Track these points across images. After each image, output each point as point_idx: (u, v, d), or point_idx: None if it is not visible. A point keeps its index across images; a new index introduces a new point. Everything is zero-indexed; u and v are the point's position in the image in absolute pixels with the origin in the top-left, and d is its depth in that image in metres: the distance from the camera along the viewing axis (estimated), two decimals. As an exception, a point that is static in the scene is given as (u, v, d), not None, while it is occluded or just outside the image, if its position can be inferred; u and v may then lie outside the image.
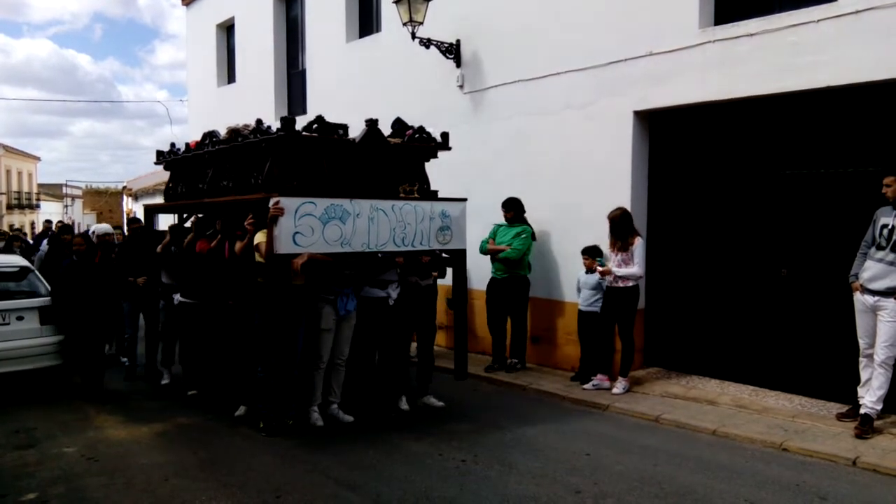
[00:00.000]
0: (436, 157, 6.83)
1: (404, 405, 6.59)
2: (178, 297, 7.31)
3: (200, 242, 6.90)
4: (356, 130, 6.30)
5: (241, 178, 6.35)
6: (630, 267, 6.93)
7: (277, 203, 5.43)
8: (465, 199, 6.70)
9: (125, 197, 27.47)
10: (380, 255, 6.26)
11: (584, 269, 7.59)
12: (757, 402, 6.57)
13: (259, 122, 6.26)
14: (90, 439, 5.98)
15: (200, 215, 7.31)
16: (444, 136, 6.81)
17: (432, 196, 6.68)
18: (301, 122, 6.09)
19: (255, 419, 6.02)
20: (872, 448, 5.34)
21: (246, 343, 6.28)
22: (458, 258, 6.73)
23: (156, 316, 8.07)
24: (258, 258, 5.78)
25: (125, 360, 8.29)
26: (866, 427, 5.59)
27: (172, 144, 7.82)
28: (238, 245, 6.11)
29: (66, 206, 50.34)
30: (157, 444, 5.85)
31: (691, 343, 7.51)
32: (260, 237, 5.70)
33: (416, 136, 6.67)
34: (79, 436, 6.06)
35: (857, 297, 5.75)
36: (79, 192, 51.66)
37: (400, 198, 6.28)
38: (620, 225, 7.00)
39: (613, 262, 7.06)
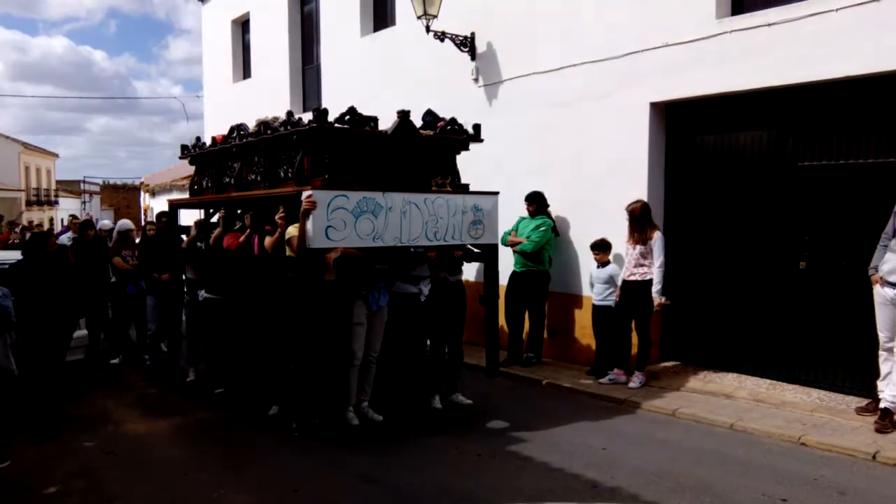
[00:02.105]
0: (467, 149, 6.65)
1: (437, 404, 6.48)
2: (203, 294, 7.23)
3: (228, 237, 6.75)
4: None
5: (269, 172, 6.25)
6: (656, 266, 6.90)
7: (310, 196, 5.30)
8: (497, 193, 6.53)
9: (142, 193, 27.65)
10: (412, 249, 6.13)
11: (595, 264, 7.57)
12: (775, 395, 6.52)
13: (290, 113, 6.14)
14: (110, 433, 6.04)
15: (227, 210, 7.13)
16: (476, 127, 6.62)
17: (464, 189, 6.51)
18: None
19: (288, 418, 5.94)
20: (893, 442, 5.28)
21: (276, 340, 6.19)
22: (489, 253, 6.56)
23: (179, 313, 8.09)
24: (289, 253, 5.68)
25: (147, 357, 8.32)
26: (886, 421, 5.54)
27: (198, 138, 7.70)
28: (268, 240, 5.98)
29: (84, 203, 50.80)
30: (176, 439, 5.91)
31: (708, 337, 7.46)
32: (292, 231, 5.59)
33: (448, 127, 6.49)
34: (98, 430, 6.12)
35: (878, 289, 5.68)
36: (96, 189, 52.10)
37: (432, 191, 6.14)
38: (641, 218, 6.97)
39: (631, 257, 7.03)
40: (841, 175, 6.38)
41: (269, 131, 6.21)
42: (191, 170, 8.42)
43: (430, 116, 6.61)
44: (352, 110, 5.90)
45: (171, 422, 6.33)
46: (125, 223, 9.32)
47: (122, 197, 48.23)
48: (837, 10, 5.99)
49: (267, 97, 13.44)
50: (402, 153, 6.11)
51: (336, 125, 5.80)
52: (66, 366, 6.90)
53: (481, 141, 6.68)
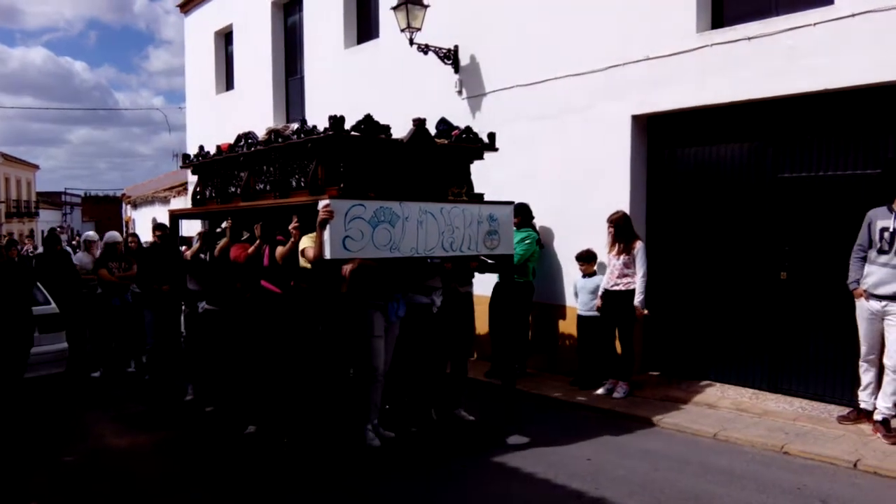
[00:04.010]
0: (481, 158, 6.51)
1: (463, 416, 6.40)
2: (203, 305, 7.05)
3: (235, 248, 6.53)
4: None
5: (280, 181, 6.08)
6: (639, 276, 6.96)
7: (328, 206, 5.07)
8: (511, 203, 6.41)
9: (124, 204, 27.43)
10: (429, 260, 5.99)
11: (580, 274, 7.61)
12: (757, 405, 6.57)
13: (303, 121, 6.01)
14: (90, 448, 5.98)
15: (235, 220, 6.87)
16: (491, 136, 6.47)
17: (479, 199, 6.34)
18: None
19: (267, 438, 5.81)
20: (873, 451, 5.33)
21: (265, 356, 6.02)
22: (505, 264, 6.46)
23: (178, 326, 8.02)
24: (303, 264, 5.54)
25: (147, 375, 8.22)
26: (888, 430, 5.52)
27: (201, 147, 7.49)
28: (280, 250, 5.81)
29: (65, 214, 50.38)
30: (159, 454, 5.84)
31: (691, 347, 7.51)
32: (306, 242, 5.44)
33: (464, 136, 6.32)
34: (79, 444, 6.06)
35: (862, 303, 5.67)
36: (78, 200, 51.68)
37: (448, 200, 5.98)
38: (623, 228, 7.02)
39: (614, 267, 7.07)
40: (820, 186, 6.46)
41: (279, 139, 6.03)
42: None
43: (444, 125, 6.44)
44: (367, 118, 5.72)
45: (153, 436, 6.27)
46: (113, 235, 9.27)
47: (103, 209, 47.80)
48: (815, 24, 6.09)
49: (250, 108, 13.43)
50: (417, 162, 5.94)
51: (353, 133, 5.62)
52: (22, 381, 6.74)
53: (496, 150, 6.51)
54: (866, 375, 5.75)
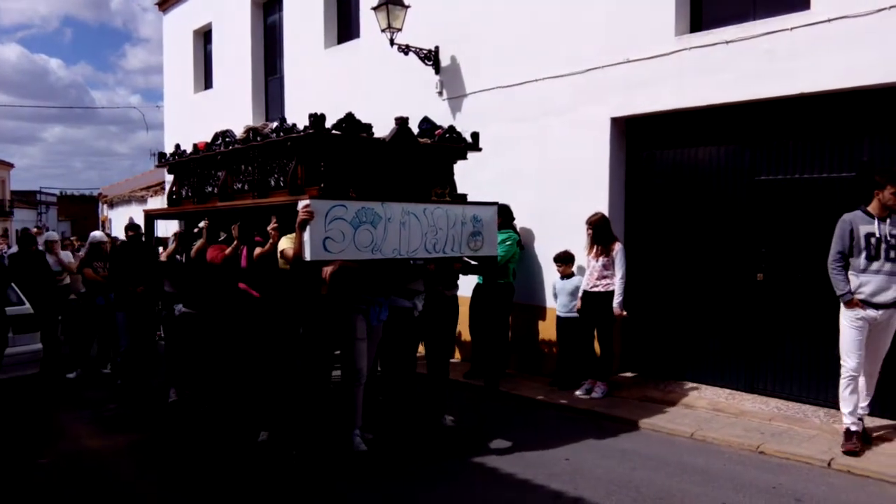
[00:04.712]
0: (465, 158, 6.42)
1: (448, 422, 6.34)
2: (180, 308, 6.95)
3: (212, 250, 6.40)
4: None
5: (258, 181, 5.98)
6: (619, 277, 6.99)
7: (307, 206, 4.93)
8: (495, 203, 6.30)
9: (101, 204, 27.12)
10: (412, 262, 5.93)
11: (559, 275, 7.64)
12: (734, 405, 6.63)
13: (283, 119, 5.92)
14: (65, 450, 5.90)
15: (211, 221, 6.75)
16: (475, 136, 6.38)
17: (462, 200, 6.24)
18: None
19: (287, 445, 5.65)
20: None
21: (264, 360, 5.90)
22: (488, 265, 6.42)
23: (152, 328, 7.91)
24: (282, 265, 5.44)
25: (119, 379, 8.12)
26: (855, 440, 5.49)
27: (177, 146, 7.37)
28: (257, 251, 5.71)
29: (41, 214, 49.74)
30: (136, 456, 5.77)
31: (668, 347, 7.57)
32: (285, 243, 5.34)
33: (447, 135, 6.22)
34: (53, 447, 5.97)
35: (857, 313, 5.45)
36: (53, 200, 51.03)
37: (431, 201, 5.87)
38: (602, 230, 7.06)
39: (594, 269, 7.11)
40: (797, 189, 6.54)
41: (258, 138, 5.91)
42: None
43: (427, 124, 6.37)
44: (349, 116, 5.60)
45: (128, 437, 6.19)
46: (99, 235, 9.21)
47: (79, 208, 47.21)
48: (792, 28, 6.16)
49: (229, 108, 13.34)
50: (400, 162, 5.84)
51: (334, 132, 5.49)
52: None
53: (480, 150, 6.44)
54: (856, 392, 5.48)
